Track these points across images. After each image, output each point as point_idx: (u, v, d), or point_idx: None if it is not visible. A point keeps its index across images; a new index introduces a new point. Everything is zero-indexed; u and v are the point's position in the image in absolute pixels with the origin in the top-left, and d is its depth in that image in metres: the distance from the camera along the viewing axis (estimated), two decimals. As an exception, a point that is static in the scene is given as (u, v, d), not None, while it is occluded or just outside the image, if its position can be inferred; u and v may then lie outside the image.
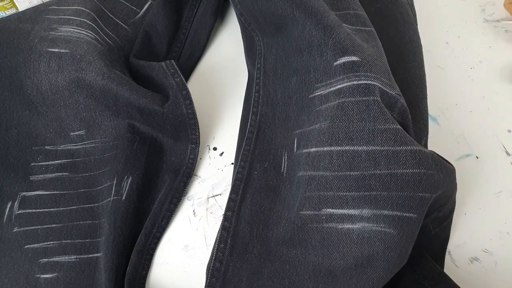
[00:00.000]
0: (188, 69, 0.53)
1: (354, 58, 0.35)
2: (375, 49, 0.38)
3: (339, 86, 0.36)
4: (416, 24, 0.50)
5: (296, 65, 0.42)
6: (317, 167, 0.35)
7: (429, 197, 0.32)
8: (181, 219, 0.43)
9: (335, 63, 0.36)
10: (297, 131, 0.40)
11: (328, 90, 0.37)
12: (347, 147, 0.33)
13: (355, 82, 0.34)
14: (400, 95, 0.35)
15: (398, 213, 0.32)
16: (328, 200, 0.34)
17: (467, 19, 0.56)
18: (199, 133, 0.44)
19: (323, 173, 0.34)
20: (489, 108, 0.49)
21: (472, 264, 0.40)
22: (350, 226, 0.33)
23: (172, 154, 0.46)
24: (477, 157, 0.46)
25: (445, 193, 0.35)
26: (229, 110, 0.49)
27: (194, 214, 0.43)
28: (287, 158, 0.41)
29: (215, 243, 0.39)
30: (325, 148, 0.35)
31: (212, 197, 0.44)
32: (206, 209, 0.43)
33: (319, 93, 0.38)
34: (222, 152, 0.47)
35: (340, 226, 0.34)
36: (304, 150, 0.37)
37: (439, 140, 0.46)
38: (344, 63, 0.36)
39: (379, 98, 0.34)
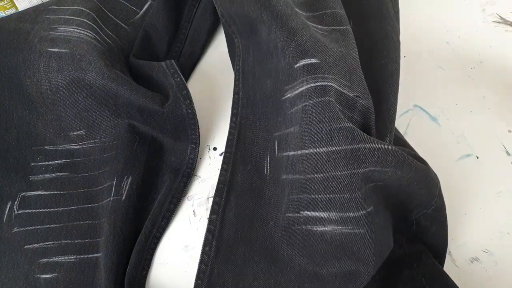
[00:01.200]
0: (188, 69, 0.53)
1: (313, 61, 0.35)
2: (343, 48, 0.37)
3: (300, 89, 0.36)
4: (398, 21, 0.50)
5: (268, 67, 0.43)
6: (294, 170, 0.36)
7: (382, 186, 0.32)
8: (181, 219, 0.43)
9: (295, 66, 0.36)
10: (277, 134, 0.41)
11: (294, 93, 0.37)
12: (311, 150, 0.33)
13: (312, 84, 0.34)
14: (360, 96, 0.34)
15: (363, 212, 0.32)
16: (303, 202, 0.35)
17: (467, 19, 0.56)
18: (199, 133, 0.44)
19: (299, 176, 0.35)
20: (490, 108, 0.49)
21: (472, 264, 0.40)
22: (323, 229, 0.33)
23: (172, 154, 0.46)
24: (477, 157, 0.46)
25: (417, 189, 0.34)
26: (229, 110, 0.49)
27: (194, 214, 0.43)
28: (269, 160, 0.41)
29: (202, 247, 0.39)
30: (298, 152, 0.35)
31: (212, 197, 0.44)
32: (206, 209, 0.43)
33: (287, 95, 0.38)
34: (222, 152, 0.47)
35: (315, 229, 0.34)
36: (284, 154, 0.38)
37: (439, 140, 0.46)
38: (303, 65, 0.36)
39: (332, 99, 0.33)
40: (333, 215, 0.32)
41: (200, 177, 0.45)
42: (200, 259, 0.39)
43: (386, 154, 0.31)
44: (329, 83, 0.34)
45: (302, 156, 0.34)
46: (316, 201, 0.34)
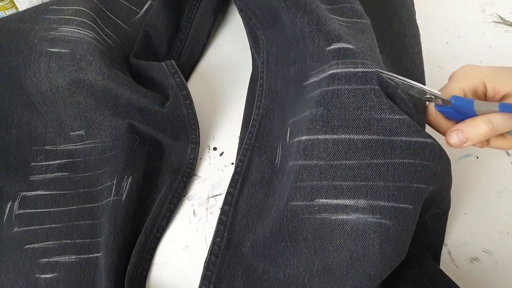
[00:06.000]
0: (188, 69, 0.53)
1: (349, 46, 0.35)
2: (370, 41, 0.38)
3: (330, 72, 0.35)
4: (415, 15, 0.50)
5: (294, 55, 0.42)
6: (310, 156, 0.34)
7: (425, 189, 0.32)
8: (181, 219, 0.43)
9: (327, 48, 0.36)
10: (290, 121, 0.40)
11: (320, 76, 0.36)
12: (342, 136, 0.33)
13: (351, 70, 0.34)
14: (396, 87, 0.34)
15: (394, 204, 0.31)
16: (321, 190, 0.34)
17: (467, 19, 0.57)
18: (199, 133, 0.44)
19: (317, 162, 0.34)
20: (489, 108, 0.49)
21: (472, 264, 0.40)
22: (344, 217, 0.32)
23: (172, 154, 0.46)
24: (477, 157, 0.46)
25: (444, 186, 0.34)
26: (229, 110, 0.49)
27: (194, 214, 0.43)
28: (281, 149, 0.40)
29: (212, 238, 0.39)
30: (319, 137, 0.34)
31: (212, 197, 0.44)
32: (206, 209, 0.43)
33: (312, 80, 0.38)
34: (222, 152, 0.47)
35: (333, 217, 0.33)
36: (295, 139, 0.37)
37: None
38: (338, 48, 0.35)
39: (377, 87, 0.33)
40: (361, 202, 0.32)
41: (200, 177, 0.45)
42: (210, 250, 0.38)
43: (423, 147, 0.32)
44: (370, 69, 0.33)
45: (326, 141, 0.34)
46: (341, 188, 0.33)
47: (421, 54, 0.45)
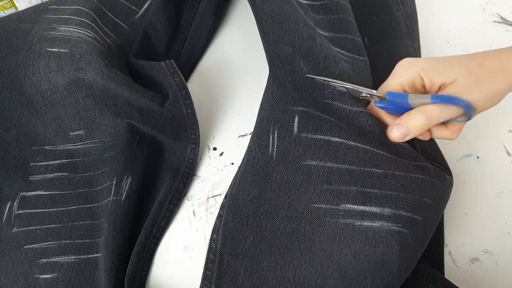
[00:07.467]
0: (187, 69, 0.53)
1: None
2: (369, 82, 0.41)
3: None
4: (413, 36, 0.51)
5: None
6: (342, 159, 0.35)
7: (430, 204, 0.34)
8: (181, 219, 0.43)
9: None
10: (299, 108, 0.37)
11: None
12: (368, 146, 0.35)
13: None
14: None
15: (411, 215, 0.33)
16: (349, 195, 0.34)
17: (467, 19, 0.56)
18: (199, 133, 0.44)
19: (349, 167, 0.35)
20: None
21: (472, 264, 0.40)
22: (369, 224, 0.33)
23: (172, 154, 0.45)
24: (477, 157, 0.46)
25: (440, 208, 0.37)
26: (229, 110, 0.49)
27: (194, 214, 0.43)
28: (278, 137, 0.37)
29: (210, 235, 0.38)
30: (350, 142, 0.35)
31: (212, 197, 0.44)
32: (206, 209, 0.43)
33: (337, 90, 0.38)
34: (222, 152, 0.47)
35: (358, 223, 0.34)
36: (318, 136, 0.36)
37: (440, 140, 0.46)
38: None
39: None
40: (387, 210, 0.33)
41: (200, 177, 0.45)
42: (208, 247, 0.37)
43: (429, 167, 0.35)
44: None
45: (357, 148, 0.35)
46: (369, 195, 0.34)
47: None
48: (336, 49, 0.43)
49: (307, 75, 0.37)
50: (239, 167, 0.40)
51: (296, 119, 0.37)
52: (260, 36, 0.41)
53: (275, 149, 0.37)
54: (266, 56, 0.41)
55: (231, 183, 0.40)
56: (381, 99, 0.34)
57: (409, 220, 0.33)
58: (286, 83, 0.38)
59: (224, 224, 0.37)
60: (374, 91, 0.34)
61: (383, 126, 0.35)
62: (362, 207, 0.34)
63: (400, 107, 0.33)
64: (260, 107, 0.39)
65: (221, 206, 0.39)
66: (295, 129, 0.37)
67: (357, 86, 0.35)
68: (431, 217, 0.35)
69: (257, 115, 0.40)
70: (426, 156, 0.39)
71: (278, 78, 0.39)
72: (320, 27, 0.44)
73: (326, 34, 0.44)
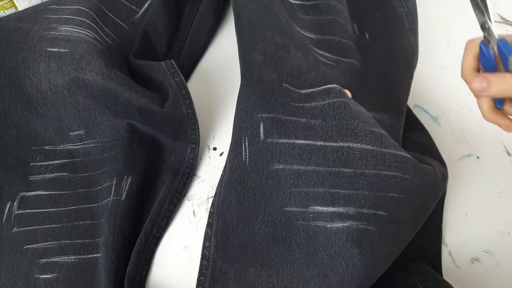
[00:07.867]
0: (188, 69, 0.53)
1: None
2: (354, 84, 0.41)
3: (326, 87, 0.37)
4: (414, 32, 0.51)
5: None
6: (307, 161, 0.34)
7: (396, 197, 0.33)
8: (181, 219, 0.43)
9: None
10: (263, 115, 0.37)
11: (313, 90, 0.38)
12: (341, 143, 0.34)
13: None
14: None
15: (373, 211, 0.33)
16: (317, 197, 0.34)
17: (468, 19, 0.56)
18: (199, 133, 0.44)
19: (315, 168, 0.34)
20: (490, 108, 0.49)
21: (473, 264, 0.40)
22: (340, 225, 0.33)
23: (171, 154, 0.45)
24: (478, 157, 0.46)
25: (427, 195, 0.36)
26: (229, 110, 0.49)
27: (194, 214, 0.43)
28: (248, 145, 0.37)
29: (202, 242, 0.39)
30: (318, 143, 0.34)
31: (212, 197, 0.44)
32: (206, 209, 0.43)
33: (305, 91, 0.38)
34: (222, 152, 0.47)
35: (329, 225, 0.33)
36: (283, 140, 0.36)
37: (440, 140, 0.46)
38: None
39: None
40: (351, 210, 0.33)
41: (200, 177, 0.45)
42: (201, 254, 0.38)
43: (406, 161, 0.34)
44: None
45: (325, 147, 0.34)
46: (338, 196, 0.33)
47: (410, 68, 0.47)
48: (321, 52, 0.43)
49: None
50: (222, 176, 0.41)
51: (261, 126, 0.37)
52: (237, 44, 0.41)
53: (247, 156, 0.37)
54: (239, 65, 0.41)
55: (216, 192, 0.41)
56: (488, 42, 0.33)
57: (372, 217, 0.33)
58: (252, 92, 0.38)
59: (215, 231, 0.38)
60: (496, 34, 0.33)
61: (368, 115, 0.35)
62: (331, 208, 0.33)
63: (491, 63, 0.32)
64: (234, 117, 0.40)
65: (209, 215, 0.40)
66: (262, 135, 0.37)
67: (489, 22, 0.34)
68: (400, 211, 0.34)
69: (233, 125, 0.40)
70: (415, 147, 0.39)
71: (246, 87, 0.39)
72: (308, 29, 0.45)
73: (313, 36, 0.44)
